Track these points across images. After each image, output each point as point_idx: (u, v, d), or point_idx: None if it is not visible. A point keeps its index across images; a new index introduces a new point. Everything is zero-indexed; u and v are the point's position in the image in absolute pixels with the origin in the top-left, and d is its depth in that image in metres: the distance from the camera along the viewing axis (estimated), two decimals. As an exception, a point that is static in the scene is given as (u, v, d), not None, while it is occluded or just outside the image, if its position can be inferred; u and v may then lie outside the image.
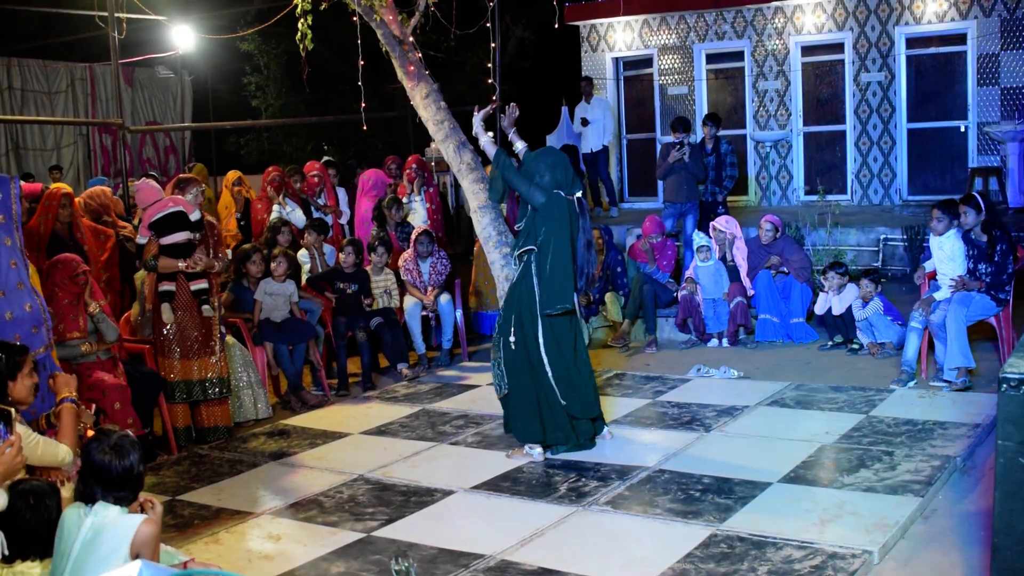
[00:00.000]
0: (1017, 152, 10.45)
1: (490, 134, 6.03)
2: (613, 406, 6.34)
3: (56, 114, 16.33)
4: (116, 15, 10.27)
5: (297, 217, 8.63)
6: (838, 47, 12.16)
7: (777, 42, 12.45)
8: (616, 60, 13.62)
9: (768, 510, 4.55)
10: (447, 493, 5.06)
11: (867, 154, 12.10)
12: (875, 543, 4.09)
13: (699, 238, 8.30)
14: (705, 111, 12.10)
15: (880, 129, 11.97)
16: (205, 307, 6.21)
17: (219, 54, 17.36)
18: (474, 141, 6.25)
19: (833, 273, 7.66)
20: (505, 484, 5.14)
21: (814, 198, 11.30)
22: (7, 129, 15.87)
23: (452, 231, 12.58)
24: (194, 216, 6.22)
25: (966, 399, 6.08)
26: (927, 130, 11.86)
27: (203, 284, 6.24)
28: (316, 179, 9.23)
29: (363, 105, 7.72)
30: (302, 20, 6.98)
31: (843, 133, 12.25)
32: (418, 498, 5.00)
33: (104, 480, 3.27)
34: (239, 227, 9.01)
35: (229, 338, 6.69)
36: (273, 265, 7.24)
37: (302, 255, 8.08)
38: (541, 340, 5.37)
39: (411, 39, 6.83)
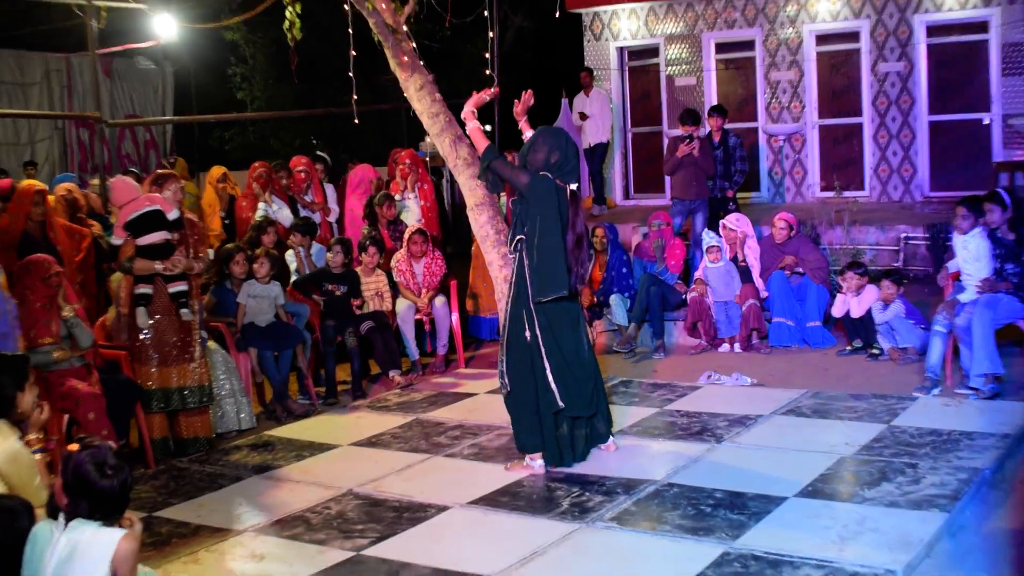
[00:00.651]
0: (1044, 146, 10.35)
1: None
2: (619, 415, 6.27)
3: (30, 107, 15.98)
4: (94, 3, 10.20)
5: (284, 215, 8.64)
6: (854, 36, 12.00)
7: (790, 30, 12.32)
8: (620, 50, 13.49)
9: (784, 526, 4.48)
10: (442, 509, 4.99)
11: (886, 148, 11.96)
12: (899, 562, 4.00)
13: (709, 238, 8.33)
14: (714, 103, 11.94)
15: (900, 122, 11.85)
16: (184, 311, 6.16)
17: (202, 44, 17.10)
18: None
19: (852, 274, 7.58)
20: (504, 499, 5.07)
21: (830, 194, 11.22)
22: (-22, 123, 15.67)
23: (448, 230, 12.57)
24: (172, 215, 6.21)
25: (994, 407, 6.02)
26: (949, 123, 11.72)
27: (182, 287, 6.16)
28: (303, 174, 9.21)
29: (354, 98, 7.64)
30: (290, 7, 6.92)
31: (860, 126, 12.07)
32: (411, 514, 4.93)
33: (95, 498, 3.22)
34: (224, 226, 9.03)
35: (211, 343, 6.70)
36: (256, 266, 7.23)
37: (288, 256, 8.05)
38: (538, 331, 5.28)
39: (405, 28, 6.77)
